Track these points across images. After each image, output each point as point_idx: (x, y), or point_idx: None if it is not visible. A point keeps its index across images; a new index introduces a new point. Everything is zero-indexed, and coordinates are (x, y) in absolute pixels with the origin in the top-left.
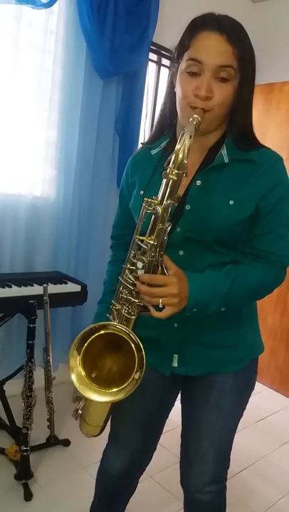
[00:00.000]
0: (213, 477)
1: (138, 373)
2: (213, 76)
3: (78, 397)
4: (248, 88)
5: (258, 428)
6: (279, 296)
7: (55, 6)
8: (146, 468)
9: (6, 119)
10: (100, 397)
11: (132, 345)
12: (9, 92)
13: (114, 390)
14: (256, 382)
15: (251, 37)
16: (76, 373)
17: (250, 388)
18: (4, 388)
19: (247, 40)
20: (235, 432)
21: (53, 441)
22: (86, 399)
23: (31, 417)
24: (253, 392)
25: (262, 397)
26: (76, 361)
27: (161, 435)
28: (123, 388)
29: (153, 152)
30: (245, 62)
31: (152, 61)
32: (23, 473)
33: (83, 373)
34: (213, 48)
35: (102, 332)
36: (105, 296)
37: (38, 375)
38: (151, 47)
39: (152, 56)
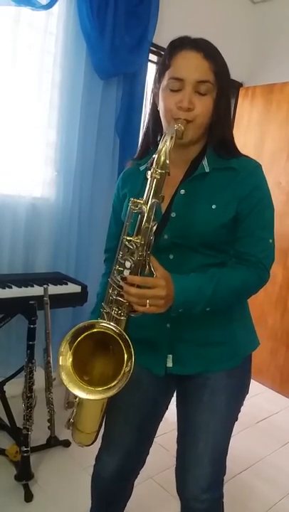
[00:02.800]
0: (210, 483)
1: (128, 367)
2: (193, 90)
3: (71, 403)
4: (225, 100)
5: (258, 429)
6: (279, 297)
7: (55, 7)
8: (147, 469)
9: (6, 119)
10: (88, 395)
11: (119, 340)
12: (9, 93)
13: (104, 387)
14: (257, 383)
15: (251, 38)
16: (66, 372)
17: (245, 387)
18: (4, 389)
19: (221, 57)
20: (230, 435)
21: (54, 442)
22: (77, 405)
23: (32, 417)
24: (254, 392)
25: (262, 398)
26: (66, 359)
27: (161, 436)
28: (113, 386)
29: (141, 168)
30: (221, 76)
31: (152, 62)
32: (24, 474)
33: (73, 371)
34: (192, 65)
35: (91, 331)
36: (97, 306)
37: (39, 376)
38: (151, 48)
39: (152, 57)
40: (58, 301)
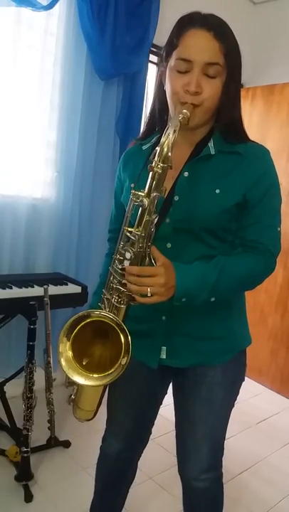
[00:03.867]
0: (209, 465)
1: (124, 359)
2: (201, 72)
3: (71, 383)
4: (235, 84)
5: (259, 430)
6: (279, 297)
7: (56, 8)
8: (147, 470)
9: (7, 120)
10: (86, 381)
11: (119, 332)
12: (9, 93)
13: (101, 374)
14: (257, 384)
15: (252, 38)
16: (65, 358)
17: (241, 379)
18: (5, 389)
19: (232, 37)
20: (228, 420)
21: (54, 442)
22: (78, 384)
23: (32, 418)
24: (254, 393)
25: (262, 399)
26: (66, 347)
27: (161, 436)
28: (110, 373)
29: (144, 147)
30: (231, 58)
31: (152, 63)
32: (24, 475)
33: (72, 358)
34: (201, 45)
35: (90, 319)
36: (99, 288)
37: (39, 376)
38: (152, 48)
39: (152, 58)
40: (58, 301)
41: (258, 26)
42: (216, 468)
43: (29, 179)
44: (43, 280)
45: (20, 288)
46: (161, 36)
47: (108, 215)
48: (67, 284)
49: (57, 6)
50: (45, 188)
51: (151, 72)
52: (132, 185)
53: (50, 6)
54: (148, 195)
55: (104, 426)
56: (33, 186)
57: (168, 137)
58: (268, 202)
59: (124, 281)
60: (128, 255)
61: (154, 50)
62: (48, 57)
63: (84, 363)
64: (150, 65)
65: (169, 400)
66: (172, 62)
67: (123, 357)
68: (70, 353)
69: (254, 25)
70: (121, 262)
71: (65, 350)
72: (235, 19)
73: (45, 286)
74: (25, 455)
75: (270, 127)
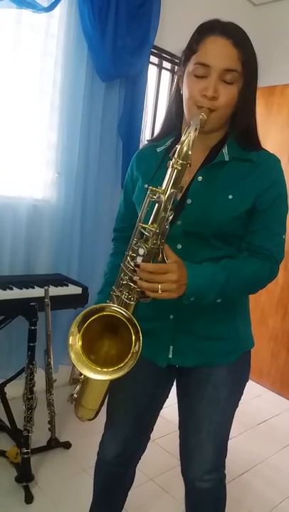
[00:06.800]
0: (212, 465)
1: (136, 346)
2: (219, 78)
3: (75, 379)
4: (251, 91)
5: (259, 431)
6: (280, 299)
7: (56, 10)
8: (147, 471)
9: (7, 121)
10: (98, 376)
11: (128, 324)
12: (10, 95)
13: (114, 368)
14: (257, 385)
15: (252, 40)
16: (75, 351)
17: (245, 380)
18: (5, 390)
19: (250, 46)
20: (232, 422)
21: (54, 443)
22: (83, 382)
23: (32, 419)
24: (254, 394)
25: (263, 400)
26: (76, 339)
27: (162, 438)
28: (123, 365)
29: (158, 149)
30: (248, 65)
31: (153, 64)
32: (24, 476)
33: (82, 351)
34: (220, 52)
35: (101, 313)
36: (105, 287)
37: (39, 377)
38: (153, 50)
39: (153, 59)
40: (59, 302)
41: (258, 28)
42: (220, 470)
43: (30, 180)
44: (43, 281)
45: (21, 289)
46: (162, 38)
47: (110, 216)
48: (67, 285)
49: (58, 8)
50: (45, 189)
51: (152, 73)
52: (146, 185)
53: (50, 8)
54: (165, 191)
55: None
56: (34, 187)
57: (189, 135)
58: (276, 210)
59: (135, 277)
60: (141, 251)
61: (155, 51)
62: (48, 59)
63: (92, 358)
64: (151, 66)
65: (170, 402)
66: (190, 66)
67: (134, 346)
68: (79, 347)
69: (254, 27)
70: (133, 258)
71: (75, 343)
72: (236, 20)
73: (46, 287)
74: (26, 456)
75: (271, 128)
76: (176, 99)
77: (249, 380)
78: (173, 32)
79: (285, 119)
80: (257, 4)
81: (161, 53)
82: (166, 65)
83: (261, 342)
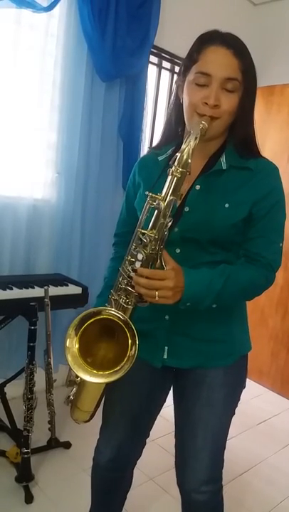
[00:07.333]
0: (209, 476)
1: (133, 350)
2: (220, 87)
3: (72, 381)
4: (250, 100)
5: (259, 430)
6: (280, 299)
7: (56, 9)
8: (147, 471)
9: (7, 121)
10: (94, 379)
11: (125, 328)
12: (10, 94)
13: (110, 371)
14: (257, 385)
15: (252, 39)
16: (71, 354)
17: (241, 385)
18: (5, 390)
19: (249, 56)
20: (228, 429)
21: (54, 443)
22: (79, 384)
23: (32, 419)
24: (254, 394)
25: (263, 400)
26: (73, 342)
27: (162, 437)
28: (119, 369)
29: (160, 158)
30: (248, 75)
31: (153, 64)
32: (24, 476)
33: (78, 354)
34: (221, 61)
35: (98, 317)
36: (104, 291)
37: (39, 377)
38: (152, 50)
39: (153, 59)
40: (59, 302)
41: (257, 27)
42: (216, 481)
43: (30, 180)
44: (43, 281)
45: (21, 289)
46: (162, 38)
47: (110, 216)
48: (67, 285)
49: (57, 8)
50: (45, 189)
51: (152, 73)
52: (147, 192)
53: (50, 8)
54: (165, 198)
55: None
56: (34, 187)
57: (189, 144)
58: (273, 217)
59: (133, 282)
60: (140, 256)
61: (155, 51)
62: (48, 59)
63: (88, 360)
64: (151, 66)
65: (170, 402)
66: (191, 76)
67: (131, 349)
68: (76, 350)
69: (254, 27)
70: (132, 263)
71: (72, 345)
72: (235, 20)
73: (46, 287)
74: (26, 456)
75: (270, 128)
76: (176, 108)
77: (249, 380)
78: (173, 32)
79: (285, 118)
80: (257, 4)
81: (161, 53)
82: (166, 64)
83: (261, 342)
